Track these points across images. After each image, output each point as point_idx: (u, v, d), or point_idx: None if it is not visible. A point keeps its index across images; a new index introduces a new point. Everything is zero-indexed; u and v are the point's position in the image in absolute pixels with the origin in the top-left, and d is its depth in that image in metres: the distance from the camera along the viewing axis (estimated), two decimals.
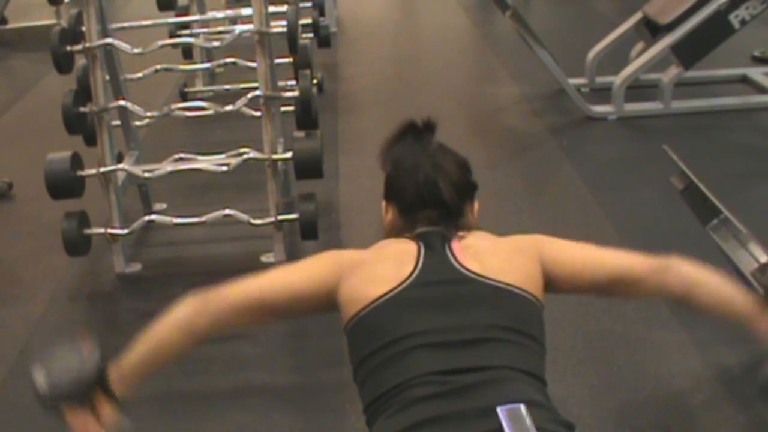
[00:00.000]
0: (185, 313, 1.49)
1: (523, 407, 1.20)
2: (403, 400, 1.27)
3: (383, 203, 1.57)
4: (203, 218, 3.02)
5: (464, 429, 1.20)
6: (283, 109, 3.43)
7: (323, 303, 1.44)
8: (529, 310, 1.39)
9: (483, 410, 1.21)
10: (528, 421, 1.19)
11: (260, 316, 1.49)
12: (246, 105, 3.06)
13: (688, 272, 1.50)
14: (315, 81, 3.98)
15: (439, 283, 1.37)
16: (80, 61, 3.13)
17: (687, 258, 1.51)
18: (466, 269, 1.39)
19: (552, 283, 1.47)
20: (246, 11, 3.84)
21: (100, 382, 1.41)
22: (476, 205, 1.58)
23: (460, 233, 1.47)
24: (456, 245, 1.43)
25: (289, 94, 3.25)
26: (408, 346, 1.31)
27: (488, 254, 1.43)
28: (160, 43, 3.15)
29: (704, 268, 1.50)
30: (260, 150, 3.04)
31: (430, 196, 1.47)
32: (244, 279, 1.48)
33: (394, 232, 1.53)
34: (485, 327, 1.34)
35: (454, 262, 1.40)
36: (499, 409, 1.20)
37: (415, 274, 1.37)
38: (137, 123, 3.44)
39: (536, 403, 1.25)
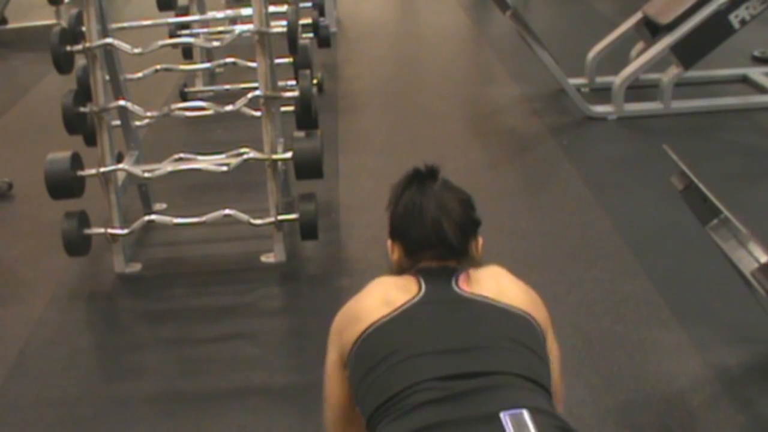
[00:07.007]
0: None
1: (525, 412, 1.20)
2: (404, 406, 1.27)
3: (389, 242, 1.57)
4: (203, 218, 3.02)
5: None
6: (283, 109, 3.43)
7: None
8: (532, 332, 1.39)
9: (486, 416, 1.21)
10: (531, 426, 1.18)
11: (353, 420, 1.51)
12: (246, 105, 3.06)
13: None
14: (315, 81, 3.98)
15: (439, 303, 1.39)
16: (80, 61, 3.13)
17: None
18: (469, 293, 1.40)
19: None
20: (246, 11, 3.84)
21: None
22: (480, 240, 1.58)
23: (470, 270, 1.47)
24: (462, 277, 1.44)
25: (289, 94, 3.25)
26: (408, 354, 1.32)
27: (497, 282, 1.45)
28: (160, 43, 3.15)
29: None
30: (260, 150, 3.04)
31: (435, 236, 1.47)
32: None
33: (400, 271, 1.53)
34: (486, 337, 1.34)
35: (456, 288, 1.41)
36: (502, 415, 1.20)
37: (414, 300, 1.39)
38: (137, 123, 3.44)
39: (539, 409, 1.24)
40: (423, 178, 1.53)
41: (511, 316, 1.38)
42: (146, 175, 3.13)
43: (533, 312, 1.41)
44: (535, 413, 1.21)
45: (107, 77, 3.07)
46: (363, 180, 3.67)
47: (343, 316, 1.48)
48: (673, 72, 4.23)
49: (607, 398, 2.27)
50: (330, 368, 1.51)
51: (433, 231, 1.47)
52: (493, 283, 1.43)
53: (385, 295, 1.42)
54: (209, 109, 3.15)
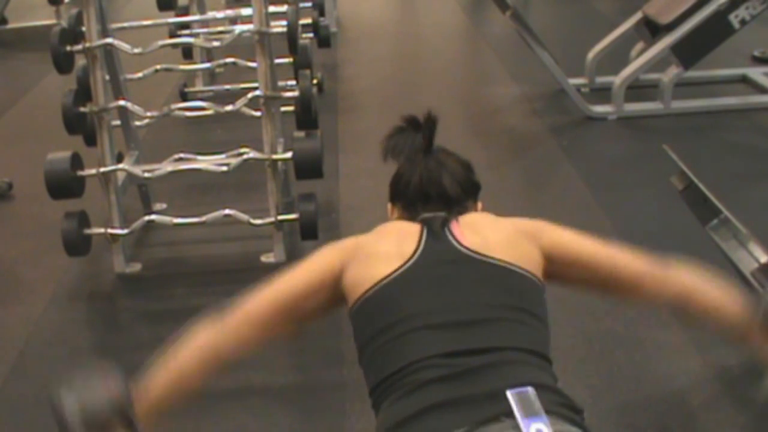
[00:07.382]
0: (206, 336, 1.43)
1: (531, 390, 1.21)
2: (410, 383, 1.27)
3: (389, 206, 1.58)
4: (203, 218, 3.02)
5: (473, 413, 1.20)
6: (283, 109, 3.43)
7: (333, 293, 1.43)
8: (530, 289, 1.39)
9: (492, 394, 1.21)
10: (537, 404, 1.19)
11: (280, 323, 1.43)
12: (246, 105, 3.06)
13: (689, 278, 1.48)
14: (315, 81, 3.98)
15: (440, 263, 1.38)
16: (80, 61, 3.13)
17: (688, 261, 1.50)
18: (466, 248, 1.39)
19: (551, 267, 1.47)
20: (246, 11, 3.84)
21: (127, 415, 1.32)
22: (479, 205, 1.58)
23: (459, 217, 1.48)
24: (455, 225, 1.44)
25: (289, 94, 3.25)
26: (412, 326, 1.31)
27: (488, 233, 1.44)
28: (160, 43, 3.15)
29: (704, 275, 1.48)
30: (260, 150, 3.04)
31: (434, 191, 1.49)
32: (255, 290, 1.43)
33: None
34: (488, 306, 1.34)
35: (453, 242, 1.40)
36: (508, 393, 1.20)
37: (417, 254, 1.38)
38: (137, 123, 3.44)
39: (544, 386, 1.25)
40: (419, 126, 1.54)
41: (511, 276, 1.37)
42: (146, 175, 3.13)
43: (526, 262, 1.40)
44: (540, 390, 1.22)
45: (107, 77, 3.08)
46: (363, 180, 3.67)
47: (360, 244, 1.44)
48: (673, 72, 4.23)
49: (607, 398, 2.27)
50: (316, 265, 1.43)
51: (432, 185, 1.49)
52: (478, 239, 1.42)
53: (398, 243, 1.40)
54: (209, 109, 3.15)
